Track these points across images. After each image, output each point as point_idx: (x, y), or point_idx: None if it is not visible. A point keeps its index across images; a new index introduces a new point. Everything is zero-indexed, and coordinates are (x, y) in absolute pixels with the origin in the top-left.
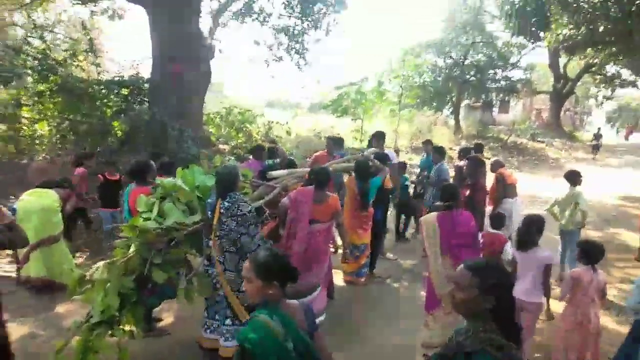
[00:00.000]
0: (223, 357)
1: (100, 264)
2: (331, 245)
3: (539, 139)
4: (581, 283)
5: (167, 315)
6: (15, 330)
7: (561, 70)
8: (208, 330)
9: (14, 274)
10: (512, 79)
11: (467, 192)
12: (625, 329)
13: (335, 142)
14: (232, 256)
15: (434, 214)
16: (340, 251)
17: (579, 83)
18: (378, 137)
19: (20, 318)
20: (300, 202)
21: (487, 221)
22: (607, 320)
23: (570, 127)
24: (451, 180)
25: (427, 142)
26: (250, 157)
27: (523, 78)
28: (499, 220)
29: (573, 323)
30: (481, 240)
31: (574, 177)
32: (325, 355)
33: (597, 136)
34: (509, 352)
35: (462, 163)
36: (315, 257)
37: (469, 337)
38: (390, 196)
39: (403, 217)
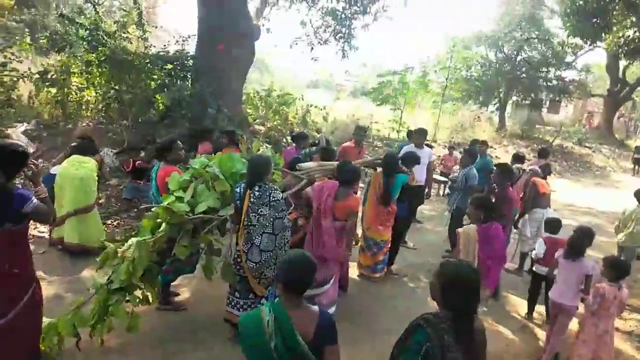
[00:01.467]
0: None
1: (133, 241)
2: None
3: (586, 144)
4: (606, 298)
5: (184, 290)
6: (42, 291)
7: (620, 73)
8: (241, 309)
9: (46, 235)
10: (565, 79)
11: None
12: None
13: (300, 138)
14: (269, 237)
15: (473, 227)
16: (359, 244)
17: (638, 88)
18: (419, 134)
19: (49, 278)
20: (324, 195)
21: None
22: (626, 346)
23: (622, 135)
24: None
25: (476, 142)
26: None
27: (577, 79)
28: (553, 226)
29: (593, 334)
30: (544, 246)
31: None
32: None
33: None
34: (438, 328)
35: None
36: (331, 252)
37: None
38: (419, 194)
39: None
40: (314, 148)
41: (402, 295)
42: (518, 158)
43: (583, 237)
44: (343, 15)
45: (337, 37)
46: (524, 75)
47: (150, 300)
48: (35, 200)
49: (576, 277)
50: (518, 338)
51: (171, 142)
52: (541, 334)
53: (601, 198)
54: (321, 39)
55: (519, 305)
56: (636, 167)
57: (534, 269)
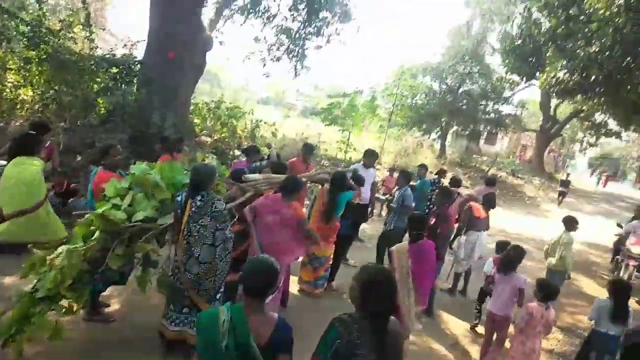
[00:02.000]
0: (187, 342)
1: (63, 249)
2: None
3: (519, 175)
4: (534, 317)
5: (114, 302)
6: None
7: (551, 111)
8: (173, 324)
9: None
10: (502, 112)
11: (433, 221)
12: None
13: (251, 151)
14: (209, 248)
15: (405, 245)
16: (300, 259)
17: (567, 126)
18: (369, 155)
19: None
20: (265, 207)
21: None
22: None
23: (551, 168)
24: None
25: (422, 166)
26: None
27: (513, 113)
28: (503, 247)
29: (521, 352)
30: (493, 265)
31: (570, 223)
32: None
33: (565, 183)
34: (349, 328)
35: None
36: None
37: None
38: (362, 212)
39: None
40: (264, 162)
41: (341, 310)
42: (455, 182)
43: (515, 254)
44: (297, 35)
45: (290, 55)
46: (464, 106)
47: (74, 310)
48: None
49: (510, 290)
50: (451, 355)
51: (109, 146)
52: (474, 350)
53: (530, 225)
54: (274, 57)
55: (452, 323)
56: (560, 198)
57: (482, 286)
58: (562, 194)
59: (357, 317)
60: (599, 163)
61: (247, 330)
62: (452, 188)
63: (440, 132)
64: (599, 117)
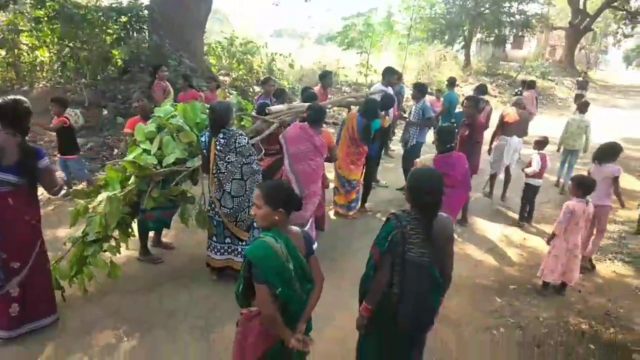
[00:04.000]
0: (234, 269)
1: (103, 196)
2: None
3: (549, 78)
4: (575, 213)
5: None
6: None
7: (581, 4)
8: (218, 253)
9: None
10: (527, 12)
11: (467, 132)
12: (600, 267)
13: (279, 94)
14: (239, 183)
15: (430, 157)
16: (332, 185)
17: (598, 19)
18: (388, 73)
19: None
20: (295, 138)
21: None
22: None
23: (583, 66)
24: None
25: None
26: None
27: (539, 13)
28: (543, 143)
29: (564, 249)
30: (539, 161)
31: (584, 106)
32: (318, 277)
33: (582, 84)
34: (403, 221)
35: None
36: (308, 191)
37: None
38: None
39: None
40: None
41: (376, 229)
42: (481, 90)
43: (609, 148)
44: None
45: None
46: (487, 10)
47: (125, 248)
48: (47, 159)
49: (606, 180)
50: (487, 259)
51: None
52: (510, 253)
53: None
54: None
55: (487, 229)
56: (578, 102)
57: (529, 181)
58: (578, 97)
59: (410, 211)
60: (636, 54)
61: (296, 249)
62: (480, 96)
63: (463, 42)
64: (634, 3)
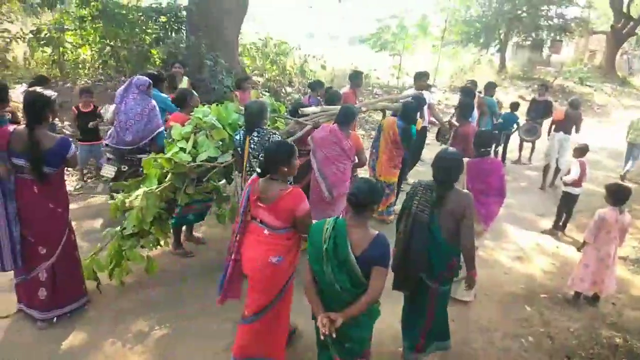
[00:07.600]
0: None
1: (140, 191)
2: None
3: (587, 83)
4: (607, 222)
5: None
6: None
7: (624, 7)
8: None
9: None
10: (566, 16)
11: None
12: (636, 279)
13: (315, 85)
14: None
15: (464, 159)
16: None
17: None
18: (418, 77)
19: None
20: (324, 139)
21: None
22: (621, 269)
23: (624, 72)
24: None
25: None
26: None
27: (579, 16)
28: (583, 150)
29: (595, 258)
30: (579, 169)
31: None
32: (372, 287)
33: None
34: (417, 191)
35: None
36: (338, 192)
37: None
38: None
39: None
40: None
41: None
42: (514, 106)
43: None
44: None
45: None
46: (524, 14)
47: (162, 244)
48: (74, 146)
49: None
50: (518, 266)
51: (189, 92)
52: (542, 261)
53: (601, 135)
54: None
55: (519, 236)
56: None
57: (567, 190)
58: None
59: (427, 183)
60: None
61: (345, 238)
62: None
63: (499, 45)
64: None
